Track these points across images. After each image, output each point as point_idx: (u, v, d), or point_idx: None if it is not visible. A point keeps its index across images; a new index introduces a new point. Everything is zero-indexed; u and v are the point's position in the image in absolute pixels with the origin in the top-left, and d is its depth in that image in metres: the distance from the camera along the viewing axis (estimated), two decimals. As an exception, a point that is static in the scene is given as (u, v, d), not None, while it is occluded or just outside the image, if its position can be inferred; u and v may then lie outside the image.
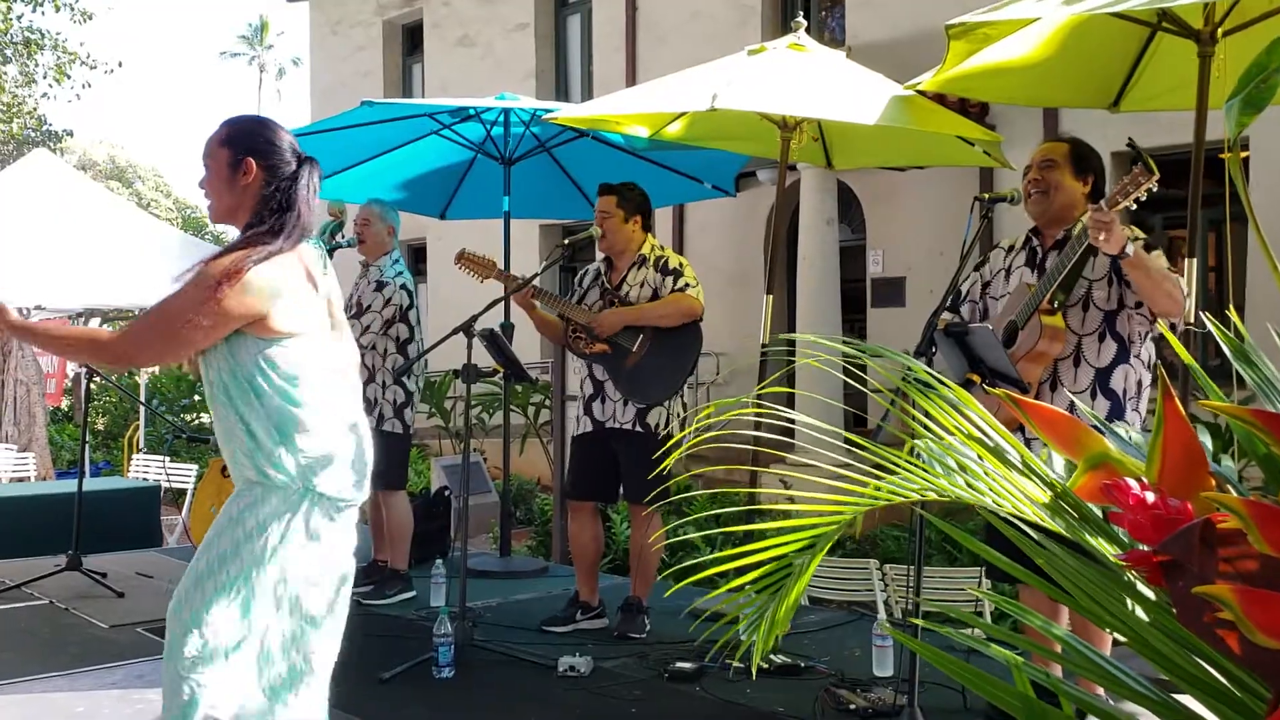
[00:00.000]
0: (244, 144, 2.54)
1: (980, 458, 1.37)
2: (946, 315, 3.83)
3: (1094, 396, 3.46)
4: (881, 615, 4.90)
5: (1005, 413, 3.27)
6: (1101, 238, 3.21)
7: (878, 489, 1.55)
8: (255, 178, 2.53)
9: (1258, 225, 1.22)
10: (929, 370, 1.50)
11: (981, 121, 9.51)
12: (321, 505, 2.52)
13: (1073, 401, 3.41)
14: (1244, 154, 8.47)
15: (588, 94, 13.53)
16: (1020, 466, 1.32)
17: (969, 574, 5.00)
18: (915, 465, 1.49)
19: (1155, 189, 3.25)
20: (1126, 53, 4.55)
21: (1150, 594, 1.11)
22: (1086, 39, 4.35)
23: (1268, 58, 1.12)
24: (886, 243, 11.01)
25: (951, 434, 1.40)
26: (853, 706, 3.68)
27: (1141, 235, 3.51)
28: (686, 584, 4.93)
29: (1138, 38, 4.47)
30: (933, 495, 1.41)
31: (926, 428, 1.43)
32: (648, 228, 4.91)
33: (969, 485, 1.40)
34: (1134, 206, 3.31)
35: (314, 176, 2.59)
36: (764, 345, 5.06)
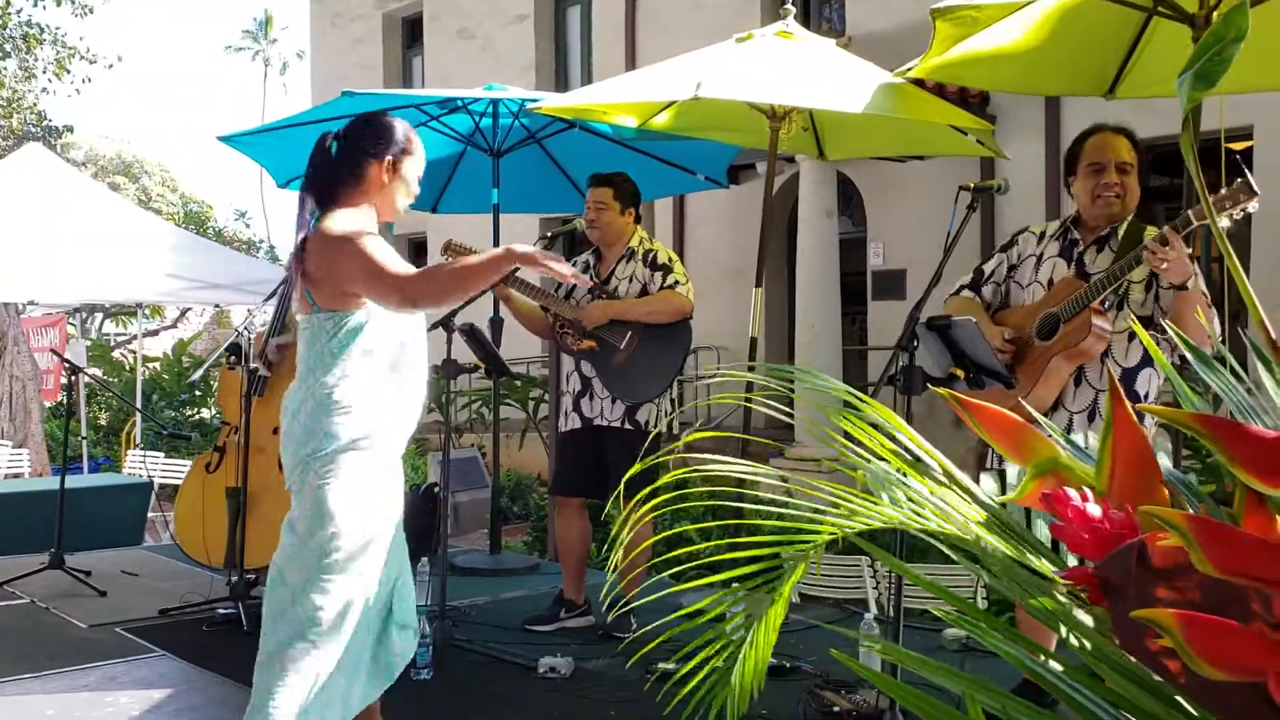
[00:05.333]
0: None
1: (907, 476, 1.27)
2: (968, 294, 3.72)
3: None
4: (872, 613, 4.81)
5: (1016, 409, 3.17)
6: (1164, 267, 3.10)
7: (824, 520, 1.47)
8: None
9: (1215, 218, 1.13)
10: (850, 390, 1.41)
11: (982, 111, 9.41)
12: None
13: (1096, 396, 3.32)
14: (1248, 144, 8.34)
15: (587, 86, 13.44)
16: (946, 483, 1.23)
17: (962, 574, 4.91)
18: (859, 496, 1.41)
19: (1253, 209, 3.10)
20: (1121, 38, 4.44)
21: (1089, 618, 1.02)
22: (1080, 25, 4.25)
23: (1224, 28, 1.03)
24: (887, 235, 10.91)
25: (879, 454, 1.30)
26: (837, 709, 3.60)
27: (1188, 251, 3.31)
28: (663, 575, 4.85)
29: (1133, 23, 4.36)
30: (878, 523, 1.32)
31: (857, 453, 1.34)
32: (637, 220, 4.83)
33: (912, 510, 1.31)
34: (1228, 221, 3.16)
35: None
36: (752, 338, 4.96)
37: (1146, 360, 3.38)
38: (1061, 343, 3.35)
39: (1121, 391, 1.06)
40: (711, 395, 11.11)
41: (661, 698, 3.54)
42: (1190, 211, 3.15)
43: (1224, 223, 3.16)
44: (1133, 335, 3.37)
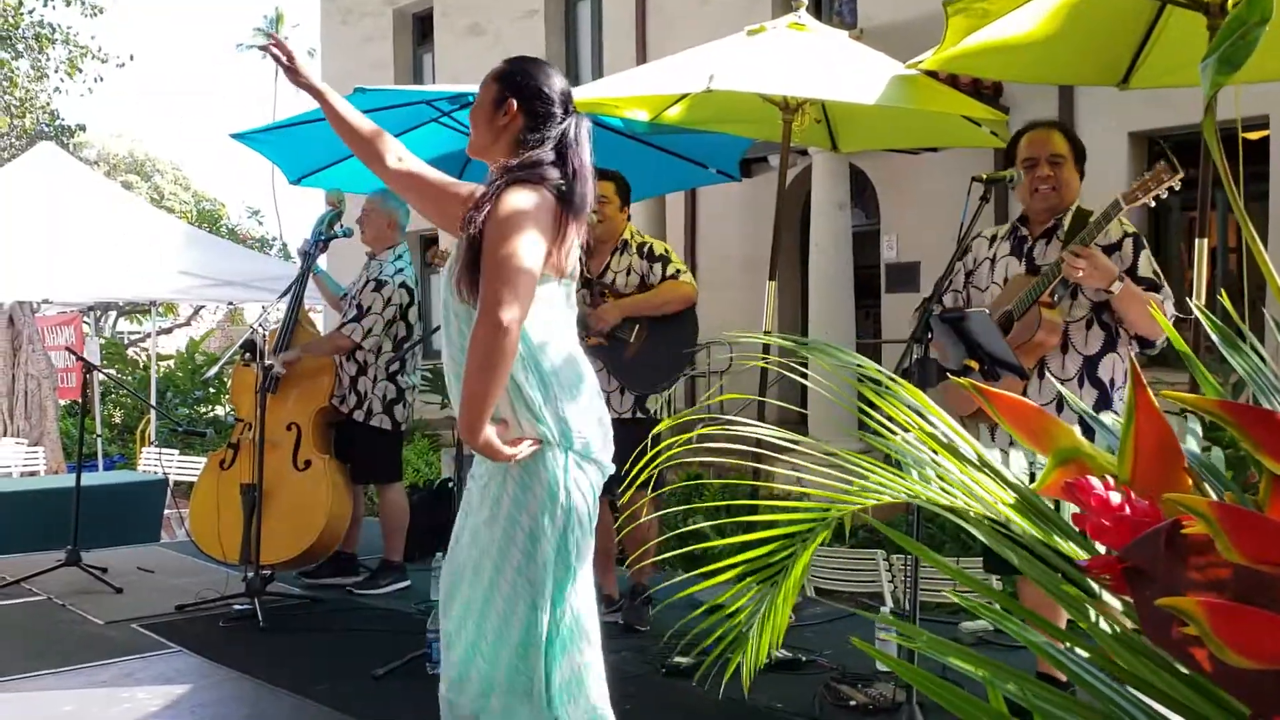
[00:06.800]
0: (514, 84, 2.52)
1: (939, 456, 1.26)
2: (937, 305, 3.74)
3: (1081, 385, 3.38)
4: (888, 607, 4.80)
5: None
6: (1079, 275, 3.16)
7: (848, 491, 1.47)
8: (513, 120, 2.50)
9: (1238, 203, 1.11)
10: (880, 369, 1.40)
11: (995, 102, 9.38)
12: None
13: (1060, 390, 3.33)
14: (1264, 133, 8.29)
15: (598, 80, 13.43)
16: (977, 464, 1.22)
17: (978, 567, 4.89)
18: (885, 468, 1.40)
19: (1178, 187, 3.14)
20: (1135, 28, 4.41)
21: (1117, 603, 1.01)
22: (1093, 14, 4.23)
23: (1248, 11, 1.01)
24: (900, 228, 10.88)
25: (909, 432, 1.30)
26: (853, 703, 3.59)
27: (1131, 230, 3.41)
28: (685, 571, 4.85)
29: (1147, 12, 4.34)
30: (898, 498, 1.31)
31: (888, 428, 1.33)
32: (629, 214, 4.85)
33: (938, 487, 1.30)
34: (1153, 203, 3.20)
35: (582, 129, 2.54)
36: (766, 331, 4.95)
37: (1108, 347, 3.39)
38: (1017, 339, 3.36)
39: (1143, 377, 1.05)
40: (725, 391, 11.10)
41: (676, 691, 3.56)
42: (1121, 196, 3.20)
43: (1151, 204, 3.21)
44: (1090, 323, 3.39)
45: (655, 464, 1.77)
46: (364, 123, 2.73)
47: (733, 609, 1.76)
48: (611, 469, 2.60)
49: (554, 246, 2.40)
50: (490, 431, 2.32)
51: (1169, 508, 0.93)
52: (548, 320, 2.44)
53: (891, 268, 10.99)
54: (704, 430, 1.64)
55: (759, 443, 1.82)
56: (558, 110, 2.52)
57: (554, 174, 2.43)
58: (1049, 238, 3.50)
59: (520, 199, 2.35)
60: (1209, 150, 3.85)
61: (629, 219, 4.82)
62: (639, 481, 1.82)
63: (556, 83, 2.56)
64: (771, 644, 1.81)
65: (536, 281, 2.35)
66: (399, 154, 2.72)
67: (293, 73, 2.66)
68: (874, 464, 1.42)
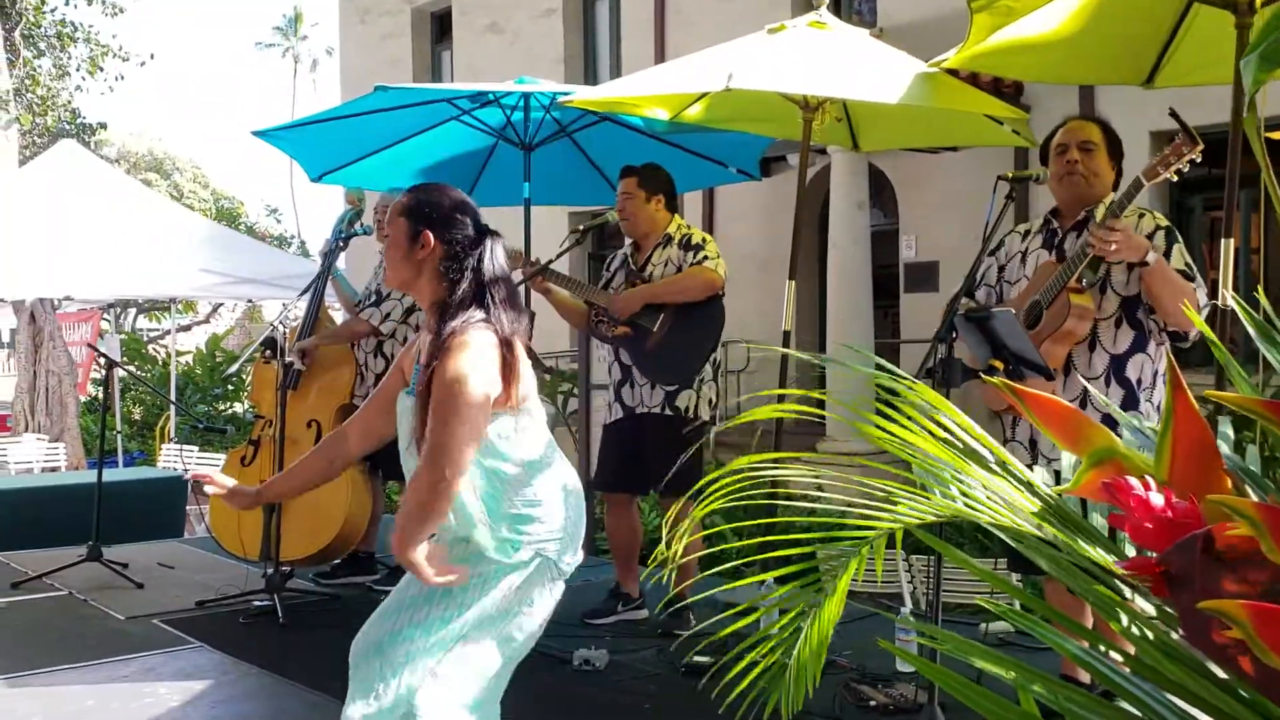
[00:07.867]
0: (424, 216, 2.55)
1: (958, 467, 1.25)
2: (966, 300, 3.72)
3: (1108, 384, 3.35)
4: (908, 607, 4.77)
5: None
6: (1112, 248, 3.12)
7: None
8: (432, 251, 2.52)
9: (1279, 195, 1.10)
10: (897, 372, 1.38)
11: (1016, 101, 9.33)
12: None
13: (1086, 387, 3.31)
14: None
15: (616, 79, 13.43)
16: (999, 471, 1.21)
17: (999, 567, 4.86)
18: (909, 489, 1.40)
19: (1199, 159, 3.14)
20: (1160, 26, 4.37)
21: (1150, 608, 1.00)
22: (1117, 13, 4.19)
23: (1289, 7, 1.00)
24: (919, 227, 10.84)
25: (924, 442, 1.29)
26: (873, 703, 3.58)
27: (1164, 223, 3.39)
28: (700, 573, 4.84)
29: (1172, 10, 4.30)
30: (930, 517, 1.30)
31: (901, 440, 1.32)
32: (672, 208, 4.81)
33: (964, 498, 1.29)
34: (1175, 178, 3.20)
35: (497, 251, 2.56)
36: (785, 331, 4.93)
37: (1137, 346, 3.36)
38: (1048, 328, 3.34)
39: (1182, 379, 1.04)
40: (743, 390, 11.08)
41: (696, 690, 3.55)
42: (1119, 194, 3.21)
43: (1173, 179, 3.21)
44: (1120, 321, 3.35)
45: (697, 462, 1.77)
46: (315, 466, 2.80)
47: (760, 612, 1.73)
48: (578, 563, 2.62)
49: (505, 382, 2.44)
50: (420, 552, 2.35)
51: (1211, 509, 0.92)
52: (516, 451, 2.48)
53: (910, 267, 10.96)
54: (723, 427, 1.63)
55: (778, 430, 1.80)
56: (471, 230, 2.56)
57: (479, 314, 2.45)
58: (1079, 230, 3.46)
59: (463, 356, 2.37)
60: (1233, 149, 3.83)
61: (672, 210, 4.79)
62: (683, 486, 1.82)
63: (464, 203, 2.60)
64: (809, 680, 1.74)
65: (482, 433, 2.38)
66: (348, 437, 2.75)
67: (231, 501, 2.85)
68: (897, 484, 1.42)
